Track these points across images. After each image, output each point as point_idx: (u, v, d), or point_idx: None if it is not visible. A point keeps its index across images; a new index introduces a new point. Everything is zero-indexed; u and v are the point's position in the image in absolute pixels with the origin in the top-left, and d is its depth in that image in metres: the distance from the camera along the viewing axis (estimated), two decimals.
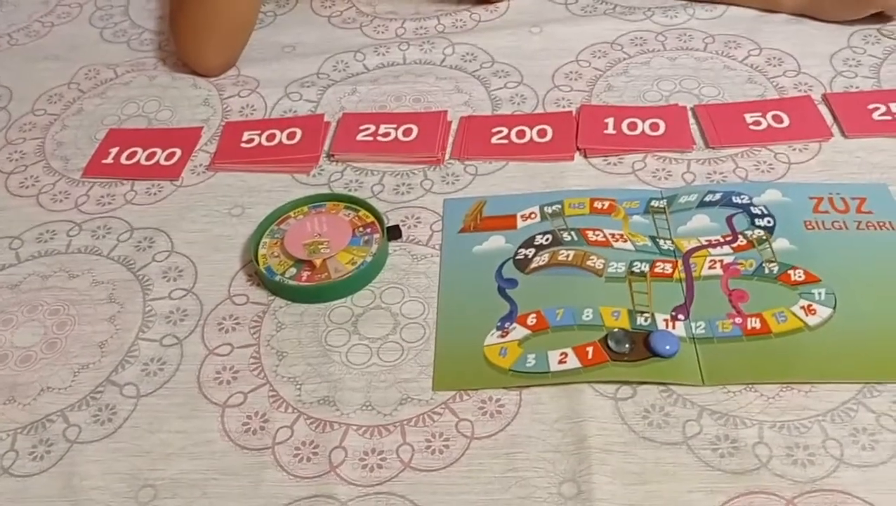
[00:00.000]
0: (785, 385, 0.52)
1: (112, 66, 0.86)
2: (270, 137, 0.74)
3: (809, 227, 0.61)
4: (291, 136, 0.74)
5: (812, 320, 0.55)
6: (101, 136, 0.77)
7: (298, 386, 0.55)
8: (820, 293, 0.56)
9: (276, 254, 0.63)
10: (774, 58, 0.77)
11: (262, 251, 0.63)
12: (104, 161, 0.74)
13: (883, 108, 0.70)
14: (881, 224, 0.61)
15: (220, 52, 0.82)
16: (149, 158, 0.74)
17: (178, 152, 0.74)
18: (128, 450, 0.53)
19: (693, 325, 0.56)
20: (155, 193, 0.71)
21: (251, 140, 0.74)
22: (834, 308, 0.55)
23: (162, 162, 0.73)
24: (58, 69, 0.86)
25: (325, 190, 0.69)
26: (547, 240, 0.62)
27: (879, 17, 0.79)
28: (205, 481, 0.51)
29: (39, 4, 0.97)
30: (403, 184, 0.69)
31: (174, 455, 0.52)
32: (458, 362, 0.55)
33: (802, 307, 0.56)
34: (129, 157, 0.74)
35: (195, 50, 0.82)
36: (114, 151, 0.75)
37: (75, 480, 0.51)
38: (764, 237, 0.61)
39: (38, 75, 0.86)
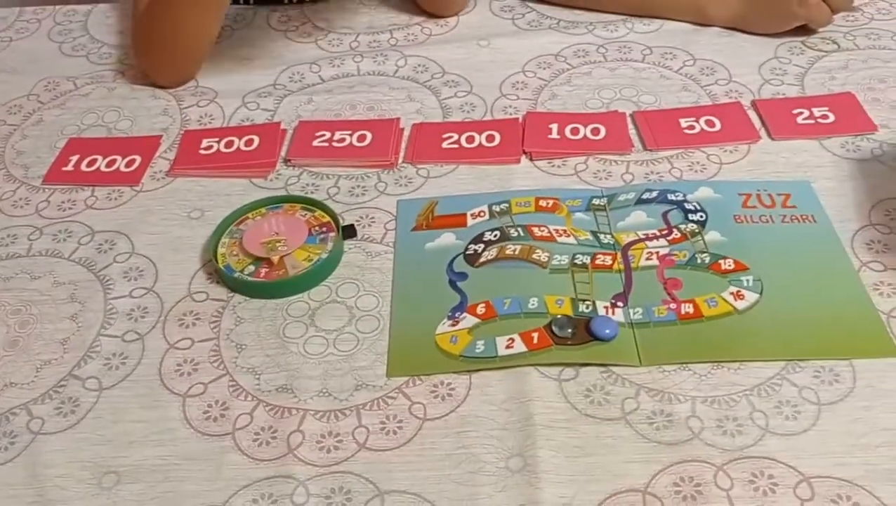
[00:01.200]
0: (716, 364, 0.56)
1: (71, 79, 0.88)
2: (228, 144, 0.76)
3: (739, 220, 0.65)
4: (249, 142, 0.76)
5: (741, 305, 0.59)
6: (61, 145, 0.79)
7: (257, 376, 0.58)
8: (748, 280, 0.61)
9: (234, 253, 0.65)
10: (707, 68, 0.82)
11: (221, 250, 0.65)
12: (64, 168, 0.76)
13: (806, 113, 0.75)
14: (804, 217, 0.65)
15: (179, 67, 0.85)
16: (109, 165, 0.76)
17: (138, 159, 0.76)
18: (91, 440, 0.55)
19: (631, 311, 0.59)
20: (115, 199, 0.73)
21: (210, 147, 0.76)
22: (761, 294, 0.60)
23: (122, 169, 0.75)
24: (17, 82, 0.88)
25: (282, 193, 0.71)
26: (495, 236, 0.66)
27: (804, 30, 0.85)
28: (167, 467, 0.53)
29: None
30: (358, 186, 0.72)
31: (137, 443, 0.54)
32: (411, 350, 0.58)
33: (732, 293, 0.60)
34: (90, 164, 0.76)
35: (154, 65, 0.84)
36: (74, 158, 0.77)
37: (39, 468, 0.53)
38: (697, 230, 0.65)
39: None
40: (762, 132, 0.74)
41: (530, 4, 0.94)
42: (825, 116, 0.75)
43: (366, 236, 0.67)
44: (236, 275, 0.63)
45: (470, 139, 0.75)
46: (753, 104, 0.77)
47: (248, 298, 0.63)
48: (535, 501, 0.49)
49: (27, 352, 0.60)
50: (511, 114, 0.79)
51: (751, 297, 0.59)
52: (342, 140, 0.76)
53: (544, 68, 0.84)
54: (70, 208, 0.72)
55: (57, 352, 0.60)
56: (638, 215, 0.67)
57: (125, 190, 0.73)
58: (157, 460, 0.53)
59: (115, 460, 0.53)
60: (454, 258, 0.64)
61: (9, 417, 0.56)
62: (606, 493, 0.49)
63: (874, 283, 0.60)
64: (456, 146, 0.75)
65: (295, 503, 0.50)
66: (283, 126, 0.78)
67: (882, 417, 0.52)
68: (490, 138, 0.75)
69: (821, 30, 0.85)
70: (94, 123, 0.82)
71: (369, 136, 0.76)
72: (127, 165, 0.76)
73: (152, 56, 0.84)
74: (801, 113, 0.75)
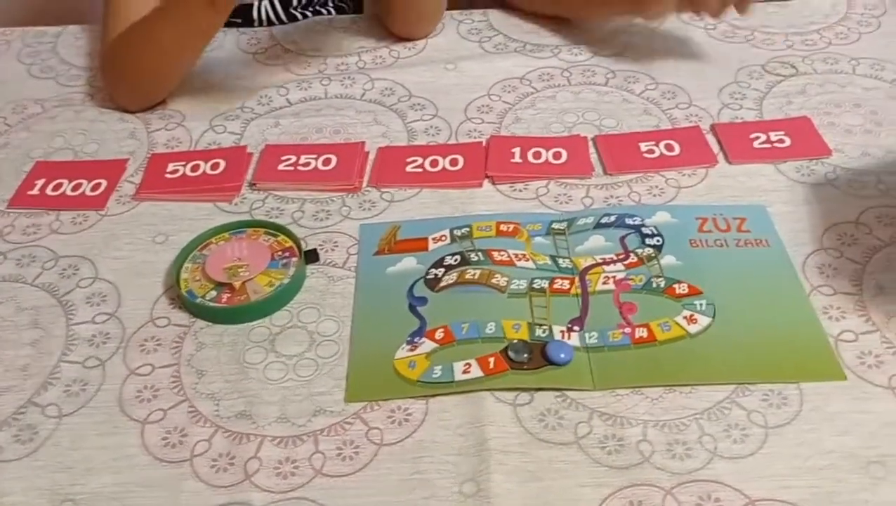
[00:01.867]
0: (668, 388, 0.57)
1: (39, 102, 0.88)
2: (195, 168, 0.77)
3: (694, 245, 0.67)
4: (215, 166, 0.77)
5: (693, 329, 0.60)
6: (28, 168, 0.79)
7: (217, 402, 0.58)
8: (701, 304, 0.62)
9: (197, 278, 0.66)
10: (668, 91, 0.84)
11: (183, 276, 0.66)
12: (30, 192, 0.76)
13: (763, 137, 0.77)
14: (758, 241, 0.67)
15: (149, 95, 0.85)
16: (74, 189, 0.76)
17: (104, 183, 0.76)
18: (49, 467, 0.55)
19: (587, 335, 0.60)
20: (80, 223, 0.73)
21: (176, 171, 0.77)
22: (713, 317, 0.61)
23: (88, 193, 0.76)
24: None
25: (246, 217, 0.72)
26: (456, 260, 0.67)
27: (764, 54, 0.87)
28: (125, 494, 0.53)
29: None
30: (322, 210, 0.73)
31: (95, 470, 0.54)
32: (370, 375, 0.59)
33: (685, 317, 0.61)
34: (55, 188, 0.76)
35: (124, 91, 0.85)
36: (40, 182, 0.77)
37: None
38: (653, 255, 0.66)
39: None
40: (720, 156, 0.76)
41: (497, 28, 0.95)
42: (781, 141, 0.76)
43: (328, 261, 0.68)
44: (198, 300, 0.64)
45: (434, 163, 0.76)
46: (712, 128, 0.79)
47: (209, 324, 0.63)
48: None
49: None
50: (475, 137, 0.80)
51: (703, 320, 0.61)
52: (307, 164, 0.77)
53: (509, 92, 0.85)
54: (34, 233, 0.72)
55: (17, 379, 0.60)
56: (596, 240, 0.68)
57: (90, 214, 0.74)
58: (114, 488, 0.53)
59: (72, 488, 0.54)
60: (414, 283, 0.65)
61: None
62: None
63: (824, 306, 0.61)
64: (420, 170, 0.76)
65: None
66: (249, 150, 0.79)
67: (827, 440, 0.53)
68: (454, 162, 0.76)
69: (781, 54, 0.87)
70: (61, 147, 0.82)
71: (334, 159, 0.77)
72: (93, 189, 0.76)
73: (123, 83, 0.85)
74: (758, 137, 0.77)
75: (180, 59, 0.83)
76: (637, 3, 0.85)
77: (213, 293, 0.64)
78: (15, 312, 0.65)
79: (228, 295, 0.64)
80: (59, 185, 0.77)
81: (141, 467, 0.54)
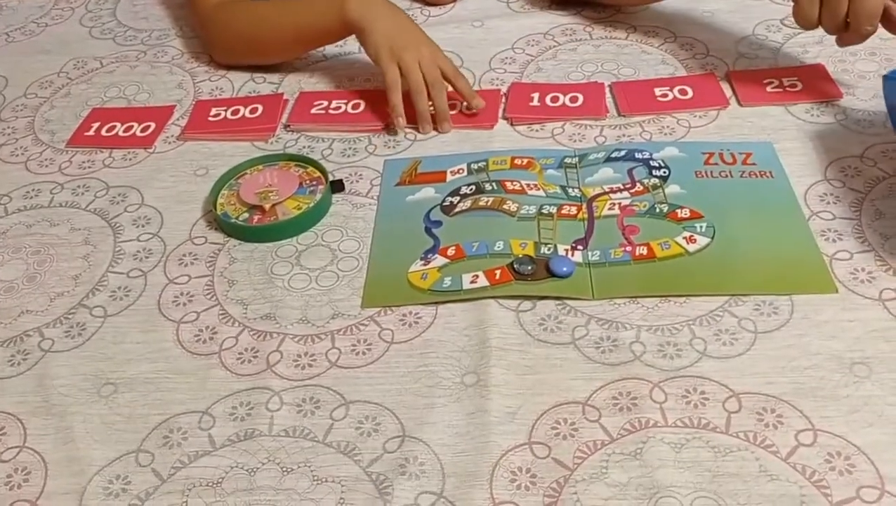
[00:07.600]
0: (663, 298, 0.60)
1: (98, 58, 0.96)
2: (235, 112, 0.83)
3: (699, 175, 0.69)
4: (254, 110, 0.83)
5: (692, 247, 0.63)
6: (86, 114, 0.86)
7: (245, 306, 0.63)
8: (701, 226, 0.65)
9: (232, 202, 0.71)
10: (687, 44, 0.87)
11: (220, 200, 0.72)
12: (86, 133, 0.83)
13: (776, 82, 0.79)
14: (762, 173, 0.69)
15: (244, 61, 0.91)
16: (126, 130, 0.83)
17: (153, 126, 0.83)
18: (94, 357, 0.61)
19: (589, 253, 0.64)
20: (130, 159, 0.80)
21: (218, 115, 0.83)
22: (712, 238, 0.64)
23: (138, 133, 0.82)
24: (49, 61, 0.96)
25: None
26: (471, 189, 0.71)
27: (784, 9, 0.89)
28: (158, 379, 0.59)
29: (35, 8, 1.07)
30: (350, 148, 0.78)
31: (133, 360, 0.60)
32: (385, 285, 0.64)
33: (685, 237, 0.64)
34: (109, 130, 0.83)
35: (218, 51, 0.92)
36: (95, 125, 0.84)
37: (46, 380, 0.59)
38: (658, 184, 0.69)
39: (32, 66, 0.96)
40: (732, 100, 0.78)
41: None
42: (794, 85, 0.78)
43: (353, 191, 0.73)
44: (232, 220, 0.69)
45: (452, 105, 0.80)
46: (727, 75, 0.81)
47: (241, 242, 0.69)
48: (485, 410, 0.54)
49: (43, 285, 0.67)
50: (497, 86, 0.84)
51: (702, 241, 0.63)
52: (338, 108, 0.82)
53: (532, 45, 0.89)
54: (89, 167, 0.79)
55: (69, 286, 0.67)
56: (605, 172, 0.71)
57: (139, 152, 0.80)
58: (150, 374, 0.59)
59: (113, 374, 0.59)
60: (431, 208, 0.70)
61: (23, 337, 0.63)
62: (549, 405, 0.54)
63: (822, 229, 0.64)
64: None
65: (269, 410, 0.56)
66: (285, 96, 0.85)
67: (814, 343, 0.56)
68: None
69: None
70: (115, 96, 0.89)
71: (363, 104, 0.82)
72: (142, 131, 0.83)
73: (225, 48, 0.90)
74: (771, 82, 0.79)
75: (295, 52, 0.89)
76: None
77: (246, 215, 0.70)
78: (69, 231, 0.72)
79: (259, 216, 0.69)
80: (113, 127, 0.84)
81: (174, 358, 0.60)
